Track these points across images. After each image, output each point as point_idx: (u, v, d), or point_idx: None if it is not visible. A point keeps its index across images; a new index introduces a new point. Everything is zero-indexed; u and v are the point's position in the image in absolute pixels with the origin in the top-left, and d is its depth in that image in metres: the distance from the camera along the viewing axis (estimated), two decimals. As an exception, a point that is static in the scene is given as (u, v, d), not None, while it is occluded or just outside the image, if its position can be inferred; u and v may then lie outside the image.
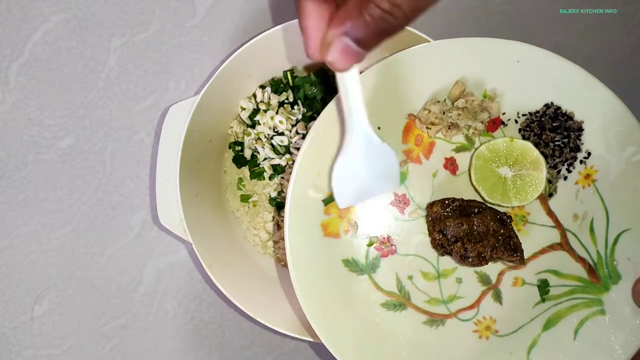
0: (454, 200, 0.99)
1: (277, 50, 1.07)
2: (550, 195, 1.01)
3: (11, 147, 1.17)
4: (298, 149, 1.05)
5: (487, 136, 1.01)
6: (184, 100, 1.08)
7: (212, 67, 1.19)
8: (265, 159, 1.13)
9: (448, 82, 0.99)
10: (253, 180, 1.15)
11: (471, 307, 1.00)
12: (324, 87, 1.11)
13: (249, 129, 1.13)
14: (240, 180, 1.16)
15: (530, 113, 1.00)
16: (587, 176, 1.00)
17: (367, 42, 0.68)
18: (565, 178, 1.00)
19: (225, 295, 1.03)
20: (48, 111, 1.17)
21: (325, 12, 0.71)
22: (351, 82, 0.83)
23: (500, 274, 1.01)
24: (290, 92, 1.13)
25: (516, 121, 1.01)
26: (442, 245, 0.98)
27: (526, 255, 1.00)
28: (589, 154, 0.99)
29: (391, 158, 0.94)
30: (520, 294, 1.01)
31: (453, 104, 1.00)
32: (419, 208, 1.01)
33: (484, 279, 1.01)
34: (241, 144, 1.15)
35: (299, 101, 1.12)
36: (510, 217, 0.98)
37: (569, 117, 0.99)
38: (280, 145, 1.11)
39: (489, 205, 1.00)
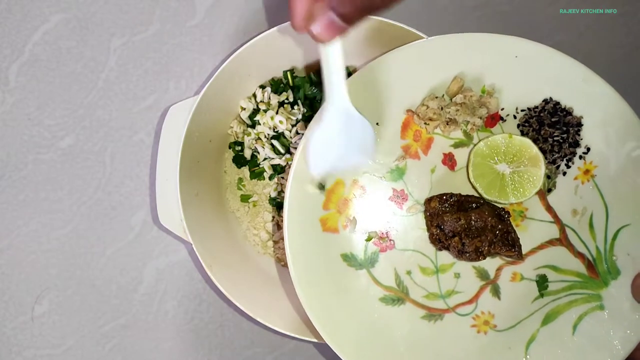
0: (452, 195, 0.99)
1: (277, 50, 1.07)
2: (549, 190, 1.01)
3: (11, 147, 1.17)
4: (298, 148, 1.05)
5: (486, 132, 1.01)
6: (184, 100, 1.09)
7: (212, 67, 1.19)
8: (265, 159, 1.13)
9: (446, 77, 0.99)
10: (253, 180, 1.16)
11: (469, 302, 1.00)
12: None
13: (249, 129, 1.13)
14: (240, 180, 1.16)
15: (529, 108, 1.00)
16: (587, 171, 0.99)
17: (351, 17, 0.70)
18: (565, 173, 1.00)
19: (225, 295, 1.03)
20: (48, 111, 1.17)
21: None
22: (333, 54, 0.82)
23: (499, 269, 1.01)
24: (290, 92, 1.13)
25: (515, 117, 1.01)
26: (439, 240, 0.98)
27: (525, 250, 1.00)
28: (588, 149, 0.99)
29: (368, 131, 0.94)
30: (518, 289, 1.00)
31: (451, 99, 1.00)
32: (417, 203, 1.01)
33: (482, 274, 1.01)
34: (241, 144, 1.15)
35: (299, 101, 1.13)
36: (508, 213, 0.98)
37: (568, 112, 0.99)
38: (281, 146, 1.11)
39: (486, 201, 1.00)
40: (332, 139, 0.93)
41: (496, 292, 1.00)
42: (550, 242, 1.01)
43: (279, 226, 1.15)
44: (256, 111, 1.12)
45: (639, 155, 0.97)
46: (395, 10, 1.17)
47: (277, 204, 1.15)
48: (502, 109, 1.00)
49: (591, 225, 1.00)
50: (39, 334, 1.16)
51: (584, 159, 0.99)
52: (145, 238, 1.18)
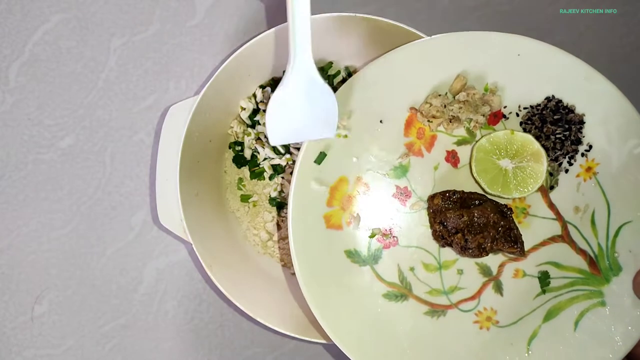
0: (454, 192, 0.99)
1: (277, 50, 1.07)
2: (552, 187, 1.01)
3: (11, 147, 1.17)
4: (298, 148, 1.05)
5: (489, 129, 1.01)
6: (184, 100, 1.09)
7: (212, 67, 1.19)
8: (265, 159, 1.13)
9: (449, 75, 1.00)
10: (253, 180, 1.15)
11: (472, 298, 1.01)
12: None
13: (249, 129, 1.13)
14: (240, 180, 1.16)
15: (531, 106, 1.00)
16: (589, 169, 1.00)
17: None
18: (567, 171, 1.01)
19: (225, 295, 1.03)
20: (48, 111, 1.17)
21: None
22: (300, 5, 0.81)
23: (501, 265, 1.01)
24: (290, 92, 1.13)
25: (517, 114, 1.01)
26: (442, 237, 0.99)
27: (527, 247, 1.00)
28: (590, 146, 1.00)
29: (331, 102, 0.91)
30: (521, 286, 1.01)
31: (454, 97, 1.00)
32: (420, 200, 1.01)
33: (485, 271, 1.01)
34: (241, 144, 1.15)
35: (299, 101, 1.13)
36: (510, 209, 0.99)
37: (570, 110, 0.99)
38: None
39: (489, 197, 1.01)
40: (293, 106, 0.91)
41: (499, 288, 1.01)
42: (553, 239, 1.01)
43: (279, 226, 1.15)
44: (256, 111, 1.12)
45: (641, 152, 0.98)
46: (395, 10, 1.18)
47: (277, 204, 1.14)
48: (505, 107, 1.01)
49: (593, 222, 1.00)
50: (39, 334, 1.16)
51: (586, 157, 1.00)
52: (145, 238, 1.18)
